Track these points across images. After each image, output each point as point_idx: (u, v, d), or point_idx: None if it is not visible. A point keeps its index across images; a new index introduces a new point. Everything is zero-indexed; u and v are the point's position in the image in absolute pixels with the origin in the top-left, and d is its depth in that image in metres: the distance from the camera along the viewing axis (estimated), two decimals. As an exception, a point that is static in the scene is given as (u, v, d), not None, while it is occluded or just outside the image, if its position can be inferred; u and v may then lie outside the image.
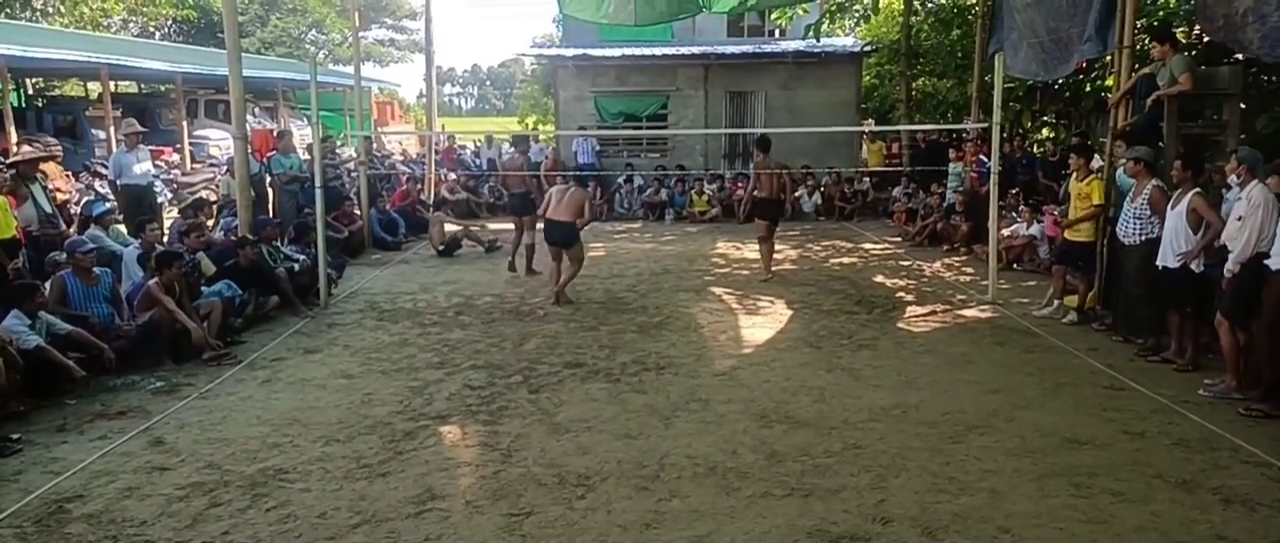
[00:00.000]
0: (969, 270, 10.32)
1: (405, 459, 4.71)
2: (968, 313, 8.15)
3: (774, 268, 10.14)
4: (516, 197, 10.41)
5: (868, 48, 18.24)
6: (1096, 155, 8.58)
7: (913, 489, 4.25)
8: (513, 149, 10.79)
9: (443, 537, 3.85)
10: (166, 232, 9.40)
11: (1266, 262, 5.21)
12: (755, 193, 9.95)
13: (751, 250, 11.13)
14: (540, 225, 9.01)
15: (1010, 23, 9.87)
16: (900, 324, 7.78)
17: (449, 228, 12.04)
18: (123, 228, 9.34)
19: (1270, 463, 4.50)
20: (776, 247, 10.47)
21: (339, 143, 18.13)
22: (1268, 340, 5.21)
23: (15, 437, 4.98)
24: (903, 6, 17.01)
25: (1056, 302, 7.91)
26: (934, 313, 8.18)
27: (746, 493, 4.23)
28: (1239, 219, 5.45)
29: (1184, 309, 6.21)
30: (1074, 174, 7.93)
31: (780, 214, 10.18)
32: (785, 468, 4.52)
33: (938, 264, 10.82)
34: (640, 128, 17.55)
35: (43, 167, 9.28)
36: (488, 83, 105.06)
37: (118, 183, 10.30)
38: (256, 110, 22.27)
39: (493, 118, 68.04)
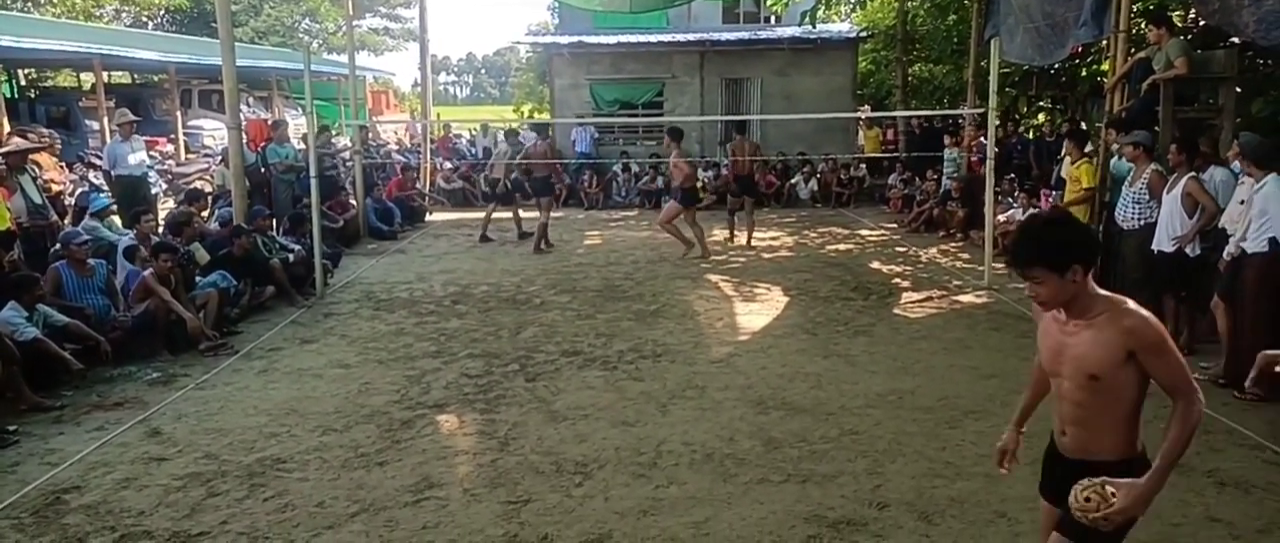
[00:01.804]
0: (965, 256, 10.32)
1: (402, 448, 4.72)
2: (964, 299, 8.16)
3: (769, 255, 10.16)
4: (538, 181, 10.88)
5: (863, 34, 18.19)
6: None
7: (909, 474, 4.27)
8: (536, 135, 11.70)
9: (440, 525, 3.86)
10: (160, 223, 9.36)
11: (1242, 245, 5.25)
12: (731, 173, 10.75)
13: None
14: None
15: (1006, 8, 9.84)
16: (896, 310, 7.79)
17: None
18: (117, 219, 9.31)
19: (1265, 446, 4.52)
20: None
21: (334, 132, 18.06)
22: (1239, 318, 5.32)
23: (12, 428, 4.98)
24: (898, -8, 16.98)
25: (1052, 287, 7.90)
26: (930, 299, 8.19)
27: (743, 479, 4.25)
28: (1242, 203, 5.45)
29: (1179, 293, 6.22)
30: (1067, 158, 7.93)
31: (753, 190, 10.46)
32: (782, 454, 4.54)
33: (934, 250, 10.83)
34: (636, 115, 17.52)
35: (36, 157, 9.23)
36: (483, 71, 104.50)
37: (112, 173, 10.27)
38: (251, 100, 22.13)
39: (488, 106, 67.84)
